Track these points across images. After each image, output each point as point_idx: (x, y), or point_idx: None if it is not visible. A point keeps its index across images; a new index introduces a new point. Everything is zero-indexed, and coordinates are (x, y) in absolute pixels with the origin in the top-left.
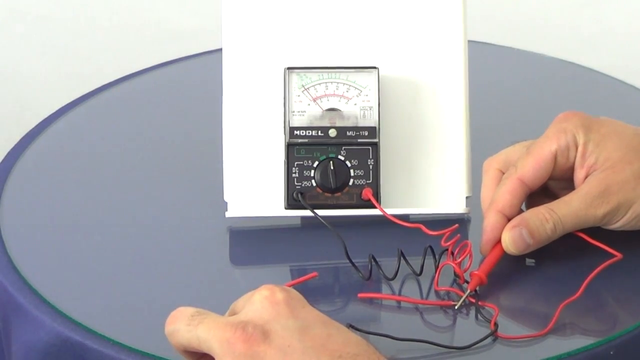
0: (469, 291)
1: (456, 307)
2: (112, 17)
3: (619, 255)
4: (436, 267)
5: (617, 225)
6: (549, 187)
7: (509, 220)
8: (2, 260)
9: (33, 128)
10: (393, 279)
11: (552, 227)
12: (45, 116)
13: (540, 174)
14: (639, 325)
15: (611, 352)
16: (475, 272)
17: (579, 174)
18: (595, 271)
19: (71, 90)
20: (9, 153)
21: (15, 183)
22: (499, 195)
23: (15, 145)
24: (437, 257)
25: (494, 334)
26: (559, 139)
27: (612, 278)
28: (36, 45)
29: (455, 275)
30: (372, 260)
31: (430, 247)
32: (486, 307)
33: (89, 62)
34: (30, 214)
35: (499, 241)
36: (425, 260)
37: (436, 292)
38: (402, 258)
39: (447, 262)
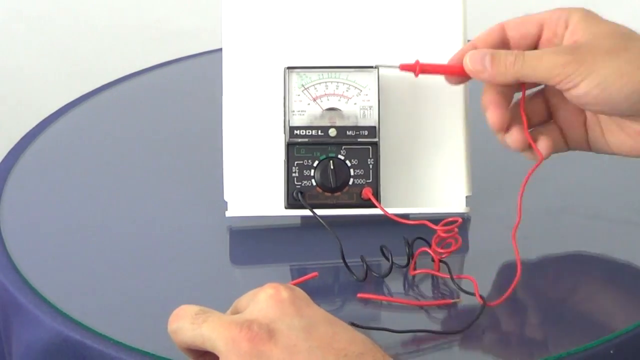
0: None
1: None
2: (112, 17)
3: (541, 156)
4: (410, 256)
5: (578, 91)
6: (545, 95)
7: None
8: (2, 260)
9: (33, 128)
10: (385, 276)
11: (513, 59)
12: (45, 116)
13: (523, 27)
14: (639, 325)
15: (611, 352)
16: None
17: None
18: (528, 174)
19: (71, 90)
20: (9, 153)
21: (15, 183)
22: (477, 36)
23: (15, 145)
24: (410, 244)
25: (485, 306)
26: (552, 12)
27: (612, 278)
28: (36, 45)
29: (432, 260)
30: (363, 261)
31: (404, 237)
32: (463, 279)
33: (89, 62)
34: (30, 214)
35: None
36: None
37: (435, 289)
38: (386, 255)
39: (422, 249)
